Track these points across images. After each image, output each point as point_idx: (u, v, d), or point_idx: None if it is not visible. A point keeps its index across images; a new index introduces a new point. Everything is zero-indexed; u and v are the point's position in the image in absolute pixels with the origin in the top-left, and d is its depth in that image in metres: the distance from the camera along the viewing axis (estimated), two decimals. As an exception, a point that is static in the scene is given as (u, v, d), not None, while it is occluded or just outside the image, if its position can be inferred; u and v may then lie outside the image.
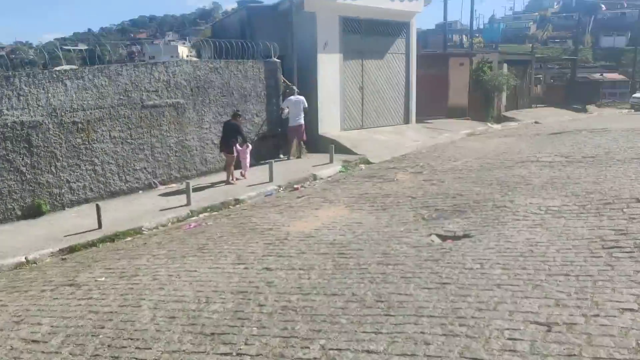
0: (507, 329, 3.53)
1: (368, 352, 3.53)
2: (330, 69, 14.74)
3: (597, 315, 3.54)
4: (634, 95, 33.94)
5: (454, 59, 21.57)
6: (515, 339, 3.38)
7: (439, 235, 6.25)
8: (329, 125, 14.87)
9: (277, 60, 13.44)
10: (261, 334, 4.06)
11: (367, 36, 15.68)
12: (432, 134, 16.19)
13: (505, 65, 23.60)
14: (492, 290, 4.25)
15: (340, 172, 11.76)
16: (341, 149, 13.41)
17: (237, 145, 10.94)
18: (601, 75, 42.96)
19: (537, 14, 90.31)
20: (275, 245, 6.53)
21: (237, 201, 9.56)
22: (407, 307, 4.15)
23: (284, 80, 13.71)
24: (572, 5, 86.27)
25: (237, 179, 10.98)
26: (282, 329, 4.11)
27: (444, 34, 30.64)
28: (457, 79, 21.00)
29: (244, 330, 4.15)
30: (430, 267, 5.04)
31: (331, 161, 12.46)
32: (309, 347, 3.72)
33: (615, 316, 3.51)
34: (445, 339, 3.53)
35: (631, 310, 3.57)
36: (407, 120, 17.10)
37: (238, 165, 11.19)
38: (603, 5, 69.60)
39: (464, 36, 78.78)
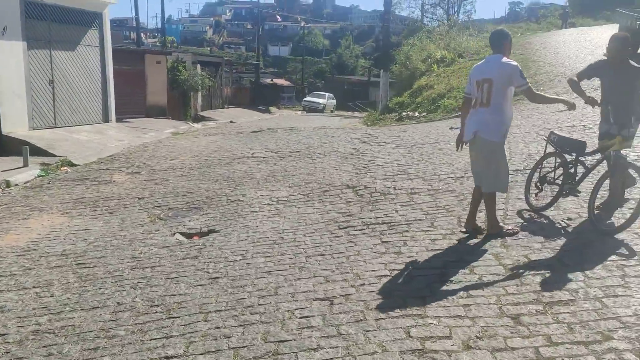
0: (296, 308, 3.77)
1: (167, 357, 3.30)
2: (11, 57, 12.71)
3: (363, 284, 4.09)
4: (304, 98, 39.43)
5: (151, 56, 21.15)
6: (307, 316, 3.63)
7: (183, 234, 6.16)
8: (15, 123, 12.84)
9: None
10: (19, 366, 3.38)
11: (55, 24, 14.09)
12: (137, 133, 15.57)
13: (198, 66, 24.29)
14: (265, 277, 4.44)
15: (40, 176, 10.30)
16: (35, 151, 11.74)
17: None
18: (272, 80, 48.50)
19: (212, 19, 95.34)
20: (-14, 266, 5.42)
21: None
22: (189, 306, 4.01)
23: (-50, 68, 11.27)
24: (242, 14, 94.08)
25: None
26: (45, 355, 3.49)
27: (136, 30, 29.66)
28: (155, 77, 20.63)
29: (-7, 369, 3.38)
30: (193, 265, 4.95)
31: (26, 164, 10.80)
32: (92, 369, 3.27)
33: (376, 283, 4.10)
34: (243, 329, 3.56)
35: (385, 276, 4.23)
36: (106, 119, 16.00)
37: None
38: (278, 17, 77.86)
39: (142, 34, 77.59)
